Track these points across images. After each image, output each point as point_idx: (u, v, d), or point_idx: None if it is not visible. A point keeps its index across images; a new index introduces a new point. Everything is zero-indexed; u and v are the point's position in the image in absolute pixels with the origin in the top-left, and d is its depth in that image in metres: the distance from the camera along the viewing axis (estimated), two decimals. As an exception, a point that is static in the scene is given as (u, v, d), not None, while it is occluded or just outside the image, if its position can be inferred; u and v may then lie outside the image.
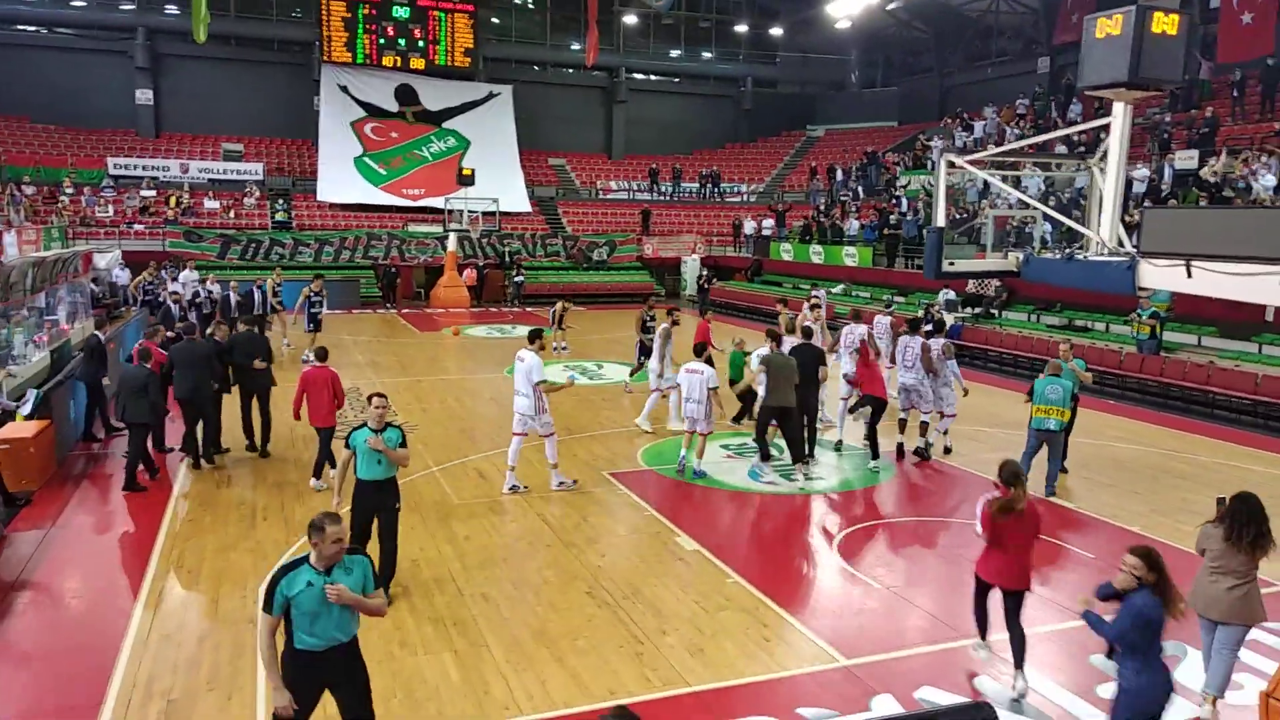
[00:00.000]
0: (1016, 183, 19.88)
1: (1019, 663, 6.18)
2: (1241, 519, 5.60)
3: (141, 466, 10.43)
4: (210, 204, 32.86)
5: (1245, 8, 24.64)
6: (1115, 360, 17.20)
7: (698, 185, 40.21)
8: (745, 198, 40.36)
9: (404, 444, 7.40)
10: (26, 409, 11.14)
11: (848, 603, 7.76)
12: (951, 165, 7.34)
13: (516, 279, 31.51)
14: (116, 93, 34.98)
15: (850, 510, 10.25)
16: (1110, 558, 8.75)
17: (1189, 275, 6.23)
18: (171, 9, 35.72)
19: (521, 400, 10.37)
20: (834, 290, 26.93)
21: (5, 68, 33.39)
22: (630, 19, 40.83)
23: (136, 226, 30.59)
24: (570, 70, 41.55)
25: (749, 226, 34.59)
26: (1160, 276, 6.47)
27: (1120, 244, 6.81)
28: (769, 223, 34.22)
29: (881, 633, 7.13)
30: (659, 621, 7.20)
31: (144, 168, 33.38)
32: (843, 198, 32.96)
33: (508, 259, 33.06)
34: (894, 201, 29.90)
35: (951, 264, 7.51)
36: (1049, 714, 6.01)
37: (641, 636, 6.93)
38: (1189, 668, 6.55)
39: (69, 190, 31.15)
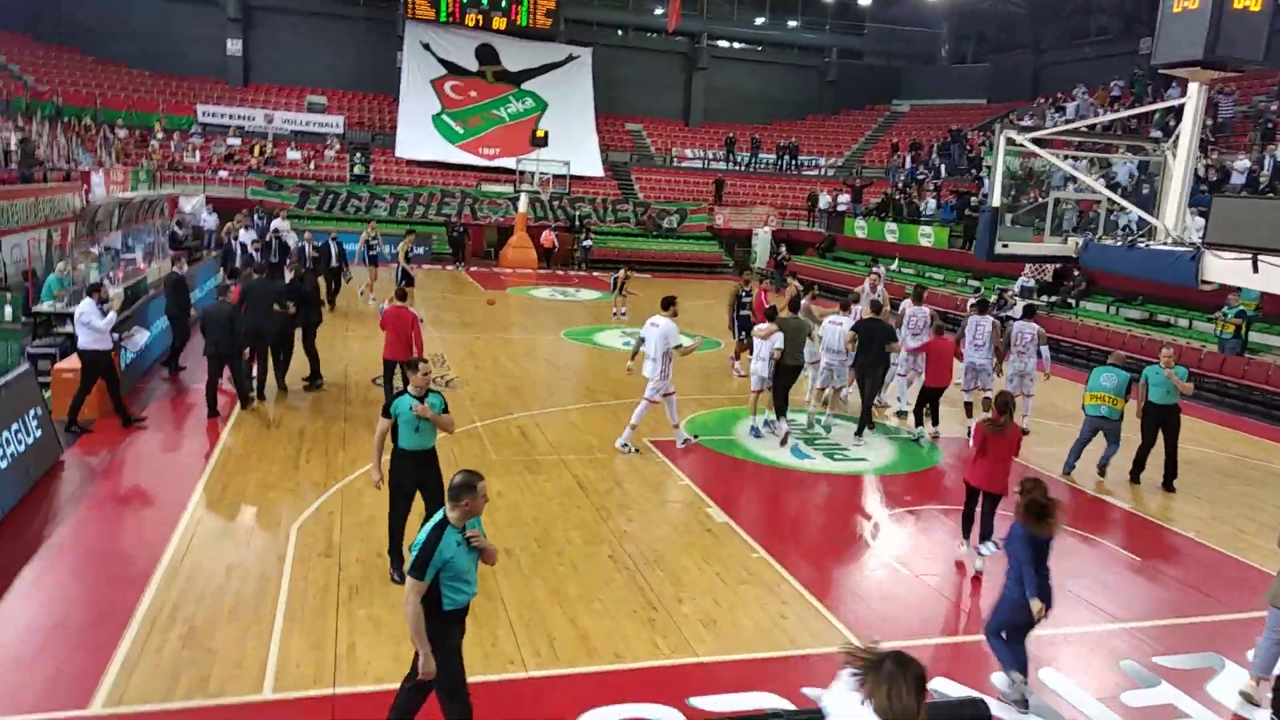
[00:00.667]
0: (1105, 165, 19.06)
1: (986, 536, 7.67)
2: None
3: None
4: (292, 154, 33.61)
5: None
6: (1195, 359, 16.38)
7: (774, 156, 39.56)
8: (823, 171, 39.59)
9: (446, 410, 7.00)
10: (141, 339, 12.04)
11: (873, 587, 7.60)
12: (1011, 142, 7.01)
13: (584, 243, 31.54)
14: (209, 43, 35.91)
15: (891, 493, 10.01)
16: (1158, 563, 8.41)
17: (1255, 270, 5.86)
18: (266, -39, 36.40)
19: (649, 364, 10.82)
20: (891, 267, 26.41)
21: (105, 16, 34.58)
22: (715, -16, 40.19)
23: (221, 173, 31.49)
24: (652, 35, 41.13)
25: (824, 201, 33.93)
26: (1225, 270, 6.10)
27: (1187, 233, 6.44)
28: (844, 198, 33.50)
29: (903, 620, 6.97)
30: (677, 590, 7.15)
31: (231, 116, 34.30)
32: (920, 176, 32.02)
33: (578, 223, 33.08)
34: (976, 182, 28.96)
35: (1005, 245, 7.19)
36: (1066, 715, 5.80)
37: (657, 604, 6.90)
38: (1224, 681, 6.26)
39: (159, 135, 32.20)
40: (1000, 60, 40.35)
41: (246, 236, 19.93)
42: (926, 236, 27.52)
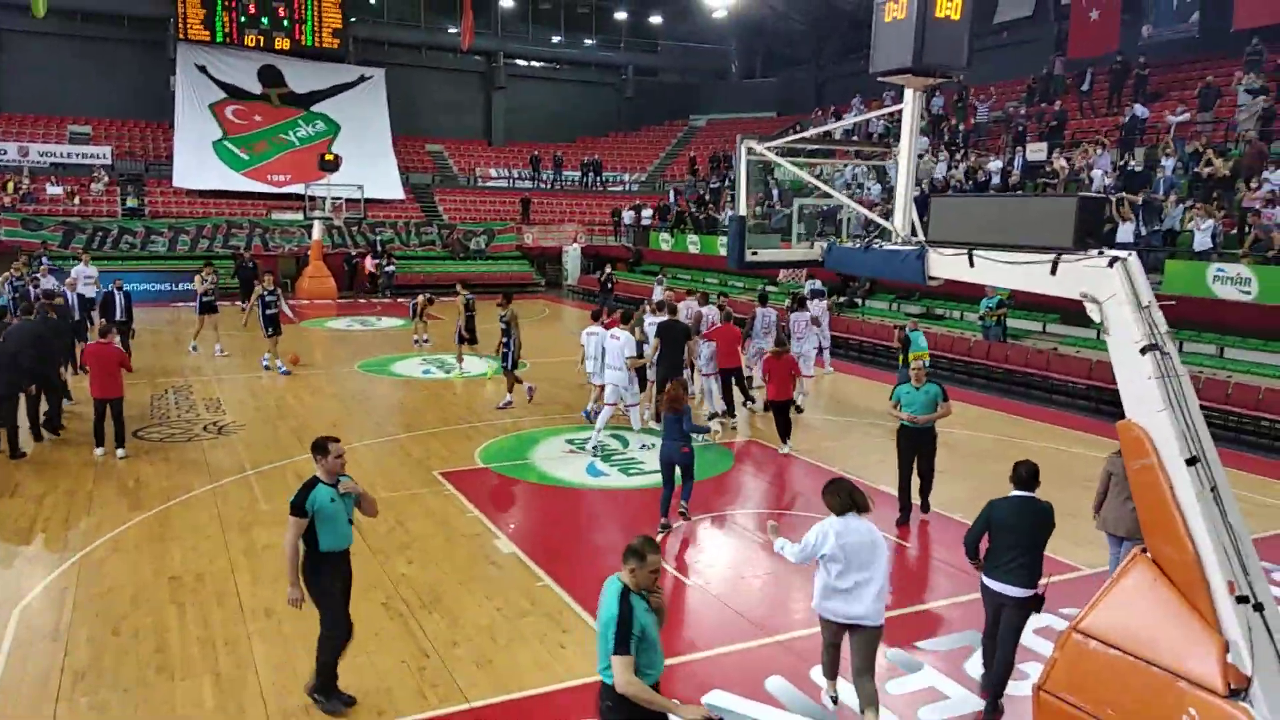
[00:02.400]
0: (886, 173, 20.21)
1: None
2: None
3: None
4: (53, 190, 30.72)
5: (1093, 5, 25.64)
6: (965, 347, 17.63)
7: (579, 174, 39.78)
8: (628, 186, 40.17)
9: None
10: None
11: (656, 603, 7.52)
12: (751, 151, 7.19)
13: (387, 269, 30.51)
14: (-54, 69, 32.34)
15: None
16: (925, 545, 8.81)
17: (971, 264, 6.17)
18: (9, -21, 33.15)
19: (615, 374, 11.88)
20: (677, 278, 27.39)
21: None
22: (508, 2, 40.08)
23: (-34, 213, 28.33)
24: (448, 54, 40.46)
25: (628, 216, 34.37)
26: (947, 265, 6.40)
27: (914, 233, 6.74)
28: (648, 212, 34.06)
29: (682, 635, 6.93)
30: (453, 632, 6.82)
31: (-23, 150, 30.97)
32: (715, 186, 33.00)
33: (379, 248, 31.96)
34: (766, 192, 30.09)
35: (755, 253, 7.35)
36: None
37: (430, 649, 6.54)
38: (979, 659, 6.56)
39: (-112, 173, 28.63)
40: (787, 75, 42.32)
41: (48, 283, 17.17)
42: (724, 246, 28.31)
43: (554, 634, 6.82)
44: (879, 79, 6.74)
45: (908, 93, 6.73)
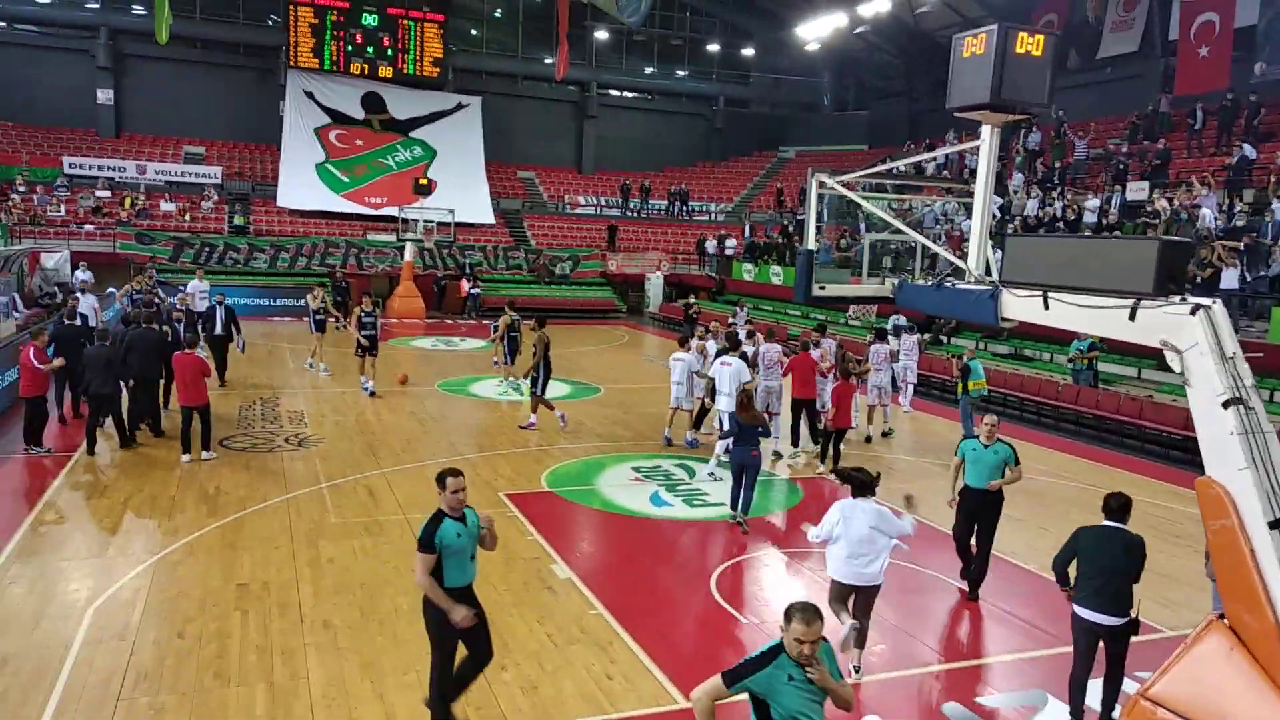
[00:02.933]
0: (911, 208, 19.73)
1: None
2: None
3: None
4: (166, 206, 32.40)
5: (1202, 41, 24.69)
6: (1053, 391, 16.98)
7: (666, 203, 40.02)
8: (713, 216, 40.20)
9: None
10: None
11: (708, 639, 7.41)
12: (822, 185, 7.08)
13: (473, 291, 31.14)
14: (77, 92, 34.51)
15: (748, 538, 9.88)
16: (992, 597, 8.45)
17: (1046, 306, 5.96)
18: (138, 9, 35.29)
19: (725, 399, 12.05)
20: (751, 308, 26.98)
21: (-37, 63, 32.99)
22: (602, 34, 40.79)
23: (87, 227, 30.08)
24: (542, 83, 41.35)
25: (711, 245, 34.37)
26: (1021, 307, 6.19)
27: (989, 273, 6.54)
28: (731, 242, 33.99)
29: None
30: (502, 655, 6.80)
31: (100, 168, 32.95)
32: (800, 217, 32.70)
33: (468, 270, 32.69)
34: (855, 226, 29.72)
35: (823, 288, 7.23)
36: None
37: (477, 671, 6.55)
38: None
39: (21, 188, 30.65)
40: (879, 107, 41.86)
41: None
42: (809, 278, 28.01)
43: (601, 664, 6.76)
44: (956, 114, 6.59)
45: (985, 129, 6.56)
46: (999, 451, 8.12)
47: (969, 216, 20.35)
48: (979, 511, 8.16)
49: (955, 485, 8.42)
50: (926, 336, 22.13)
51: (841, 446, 12.71)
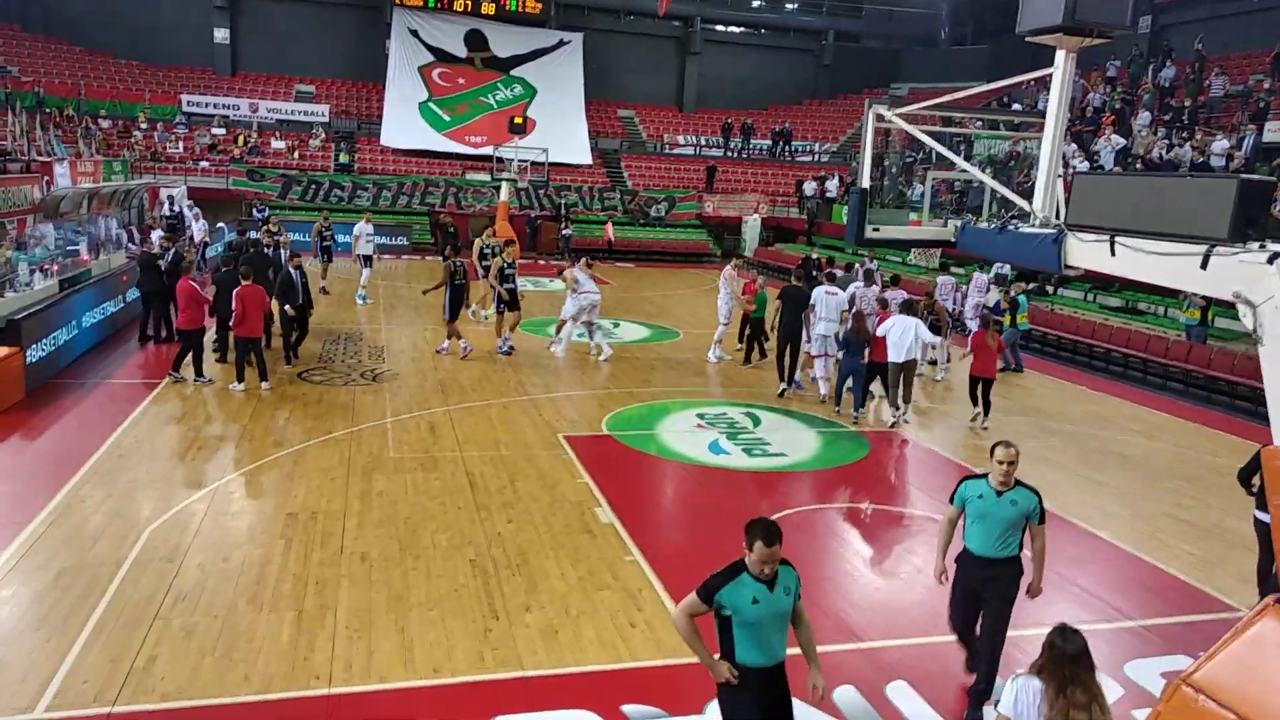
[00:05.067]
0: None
1: None
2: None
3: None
4: (276, 144, 33.41)
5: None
6: (1161, 348, 15.82)
7: (769, 143, 38.91)
8: (817, 157, 38.91)
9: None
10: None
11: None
12: (880, 118, 6.56)
13: (564, 232, 31.14)
14: (196, 31, 35.71)
15: (798, 491, 9.59)
16: (1060, 565, 7.92)
17: (1112, 253, 5.39)
18: (252, -51, 36.12)
19: (827, 325, 12.78)
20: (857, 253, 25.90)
21: (92, 5, 34.50)
22: (708, -34, 39.54)
23: (203, 163, 31.33)
24: (646, 19, 40.49)
25: (810, 187, 33.30)
26: (1087, 253, 5.63)
27: (1057, 216, 5.96)
28: (832, 183, 32.84)
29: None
30: (528, 597, 6.80)
31: (216, 106, 34.15)
32: (909, 159, 31.30)
33: (563, 211, 32.68)
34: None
35: (876, 230, 6.75)
36: None
37: (501, 612, 6.55)
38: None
39: (143, 126, 32.08)
40: (1000, 42, 39.37)
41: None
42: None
43: (627, 612, 6.66)
44: (1027, 39, 5.96)
45: (1059, 54, 5.92)
46: (1019, 501, 5.42)
47: (1087, 157, 18.76)
48: (985, 588, 5.54)
49: (945, 549, 5.78)
50: (1032, 286, 20.95)
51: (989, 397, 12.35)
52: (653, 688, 5.76)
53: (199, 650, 5.82)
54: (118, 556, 7.05)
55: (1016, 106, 28.46)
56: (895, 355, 11.83)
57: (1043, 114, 5.95)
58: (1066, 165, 24.13)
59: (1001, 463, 5.44)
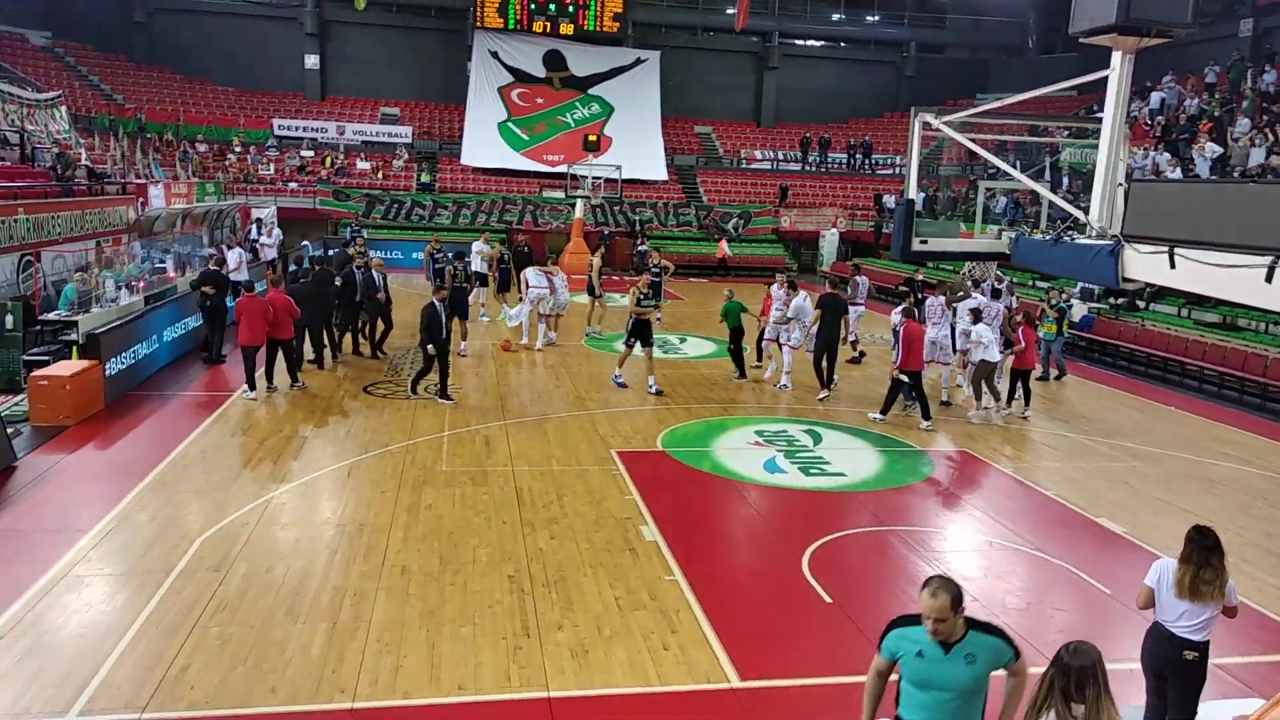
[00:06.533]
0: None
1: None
2: None
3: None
4: (361, 165, 34.40)
5: None
6: (1259, 366, 14.87)
7: (846, 156, 38.33)
8: (898, 170, 38.10)
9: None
10: None
11: (780, 616, 6.93)
12: (927, 126, 6.26)
13: (640, 248, 31.12)
14: (288, 58, 37.16)
15: (854, 512, 9.26)
16: (1132, 597, 7.43)
17: (1172, 265, 5.03)
18: (342, -23, 37.42)
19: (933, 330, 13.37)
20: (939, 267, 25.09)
21: (193, 35, 36.26)
22: (785, -20, 39.28)
23: (292, 184, 32.46)
24: (723, 35, 40.42)
25: (890, 200, 32.61)
26: (1145, 266, 5.27)
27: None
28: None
29: (798, 654, 6.33)
30: (562, 615, 6.69)
31: (305, 129, 35.39)
32: (991, 171, 30.35)
33: (638, 227, 32.72)
34: (1045, 179, 27.24)
35: (924, 242, 6.45)
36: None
37: (533, 630, 6.46)
38: None
39: (237, 149, 33.45)
40: (1090, 50, 37.98)
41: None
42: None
43: (661, 633, 6.49)
44: (1081, 41, 5.65)
45: (1115, 56, 5.58)
46: (977, 656, 3.76)
47: (1179, 168, 17.92)
48: None
49: (871, 716, 4.11)
50: (1120, 301, 20.00)
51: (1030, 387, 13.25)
52: (678, 714, 5.59)
53: (231, 660, 5.89)
54: (167, 565, 7.22)
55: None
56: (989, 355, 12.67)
57: (1079, 119, 5.61)
58: (1159, 173, 23.05)
59: (929, 617, 3.68)
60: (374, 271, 15.22)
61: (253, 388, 12.37)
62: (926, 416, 12.33)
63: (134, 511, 8.33)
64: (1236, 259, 4.55)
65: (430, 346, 12.35)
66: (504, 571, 7.40)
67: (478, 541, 7.99)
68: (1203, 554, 4.74)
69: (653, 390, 13.61)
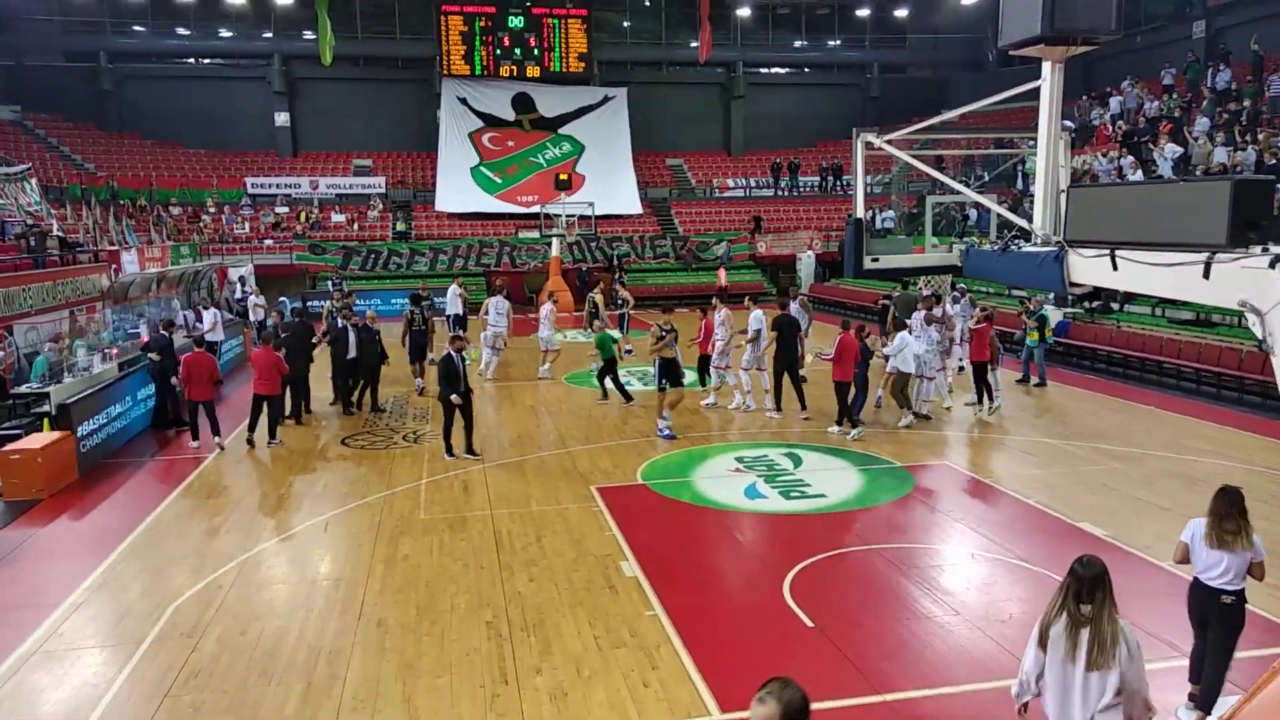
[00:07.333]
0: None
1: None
2: None
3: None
4: (336, 218, 34.55)
5: None
6: (1234, 360, 14.97)
7: (818, 179, 38.71)
8: (870, 189, 38.45)
9: None
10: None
11: (763, 644, 6.87)
12: (869, 146, 6.33)
13: (614, 283, 31.23)
14: (258, 117, 37.40)
15: (834, 533, 9.21)
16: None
17: (1114, 267, 5.07)
18: (307, 34, 37.69)
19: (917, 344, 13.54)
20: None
21: (162, 100, 36.46)
22: (745, 11, 39.88)
23: (268, 241, 32.52)
24: (688, 68, 40.93)
25: (864, 220, 32.85)
26: (1089, 269, 5.32)
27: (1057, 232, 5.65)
28: (889, 214, 32.37)
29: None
30: (541, 659, 6.61)
31: (278, 185, 35.59)
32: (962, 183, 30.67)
33: (615, 262, 32.86)
34: (1015, 188, 27.58)
35: (875, 260, 6.50)
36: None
37: (510, 676, 6.37)
38: None
39: (211, 210, 33.52)
40: (1050, 59, 38.65)
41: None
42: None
43: (641, 670, 6.41)
44: (1010, 53, 5.73)
45: (1045, 65, 5.67)
46: None
47: (1139, 170, 18.21)
48: None
49: None
50: (1094, 305, 20.16)
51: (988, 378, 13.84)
52: (660, 752, 5.51)
53: (202, 729, 5.79)
54: (139, 634, 7.11)
55: (1067, 122, 27.71)
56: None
57: (1013, 129, 5.68)
58: (1123, 177, 23.32)
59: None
60: (348, 325, 15.05)
61: (252, 429, 12.87)
62: (839, 423, 13.03)
63: (108, 582, 8.22)
64: (1173, 257, 4.59)
65: (454, 397, 11.69)
66: (482, 618, 7.32)
67: (455, 589, 7.91)
68: (1226, 506, 5.40)
69: (663, 434, 12.95)
